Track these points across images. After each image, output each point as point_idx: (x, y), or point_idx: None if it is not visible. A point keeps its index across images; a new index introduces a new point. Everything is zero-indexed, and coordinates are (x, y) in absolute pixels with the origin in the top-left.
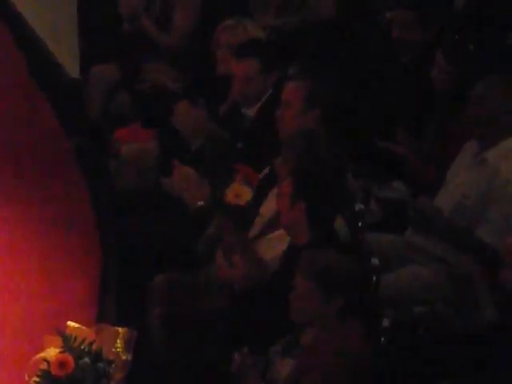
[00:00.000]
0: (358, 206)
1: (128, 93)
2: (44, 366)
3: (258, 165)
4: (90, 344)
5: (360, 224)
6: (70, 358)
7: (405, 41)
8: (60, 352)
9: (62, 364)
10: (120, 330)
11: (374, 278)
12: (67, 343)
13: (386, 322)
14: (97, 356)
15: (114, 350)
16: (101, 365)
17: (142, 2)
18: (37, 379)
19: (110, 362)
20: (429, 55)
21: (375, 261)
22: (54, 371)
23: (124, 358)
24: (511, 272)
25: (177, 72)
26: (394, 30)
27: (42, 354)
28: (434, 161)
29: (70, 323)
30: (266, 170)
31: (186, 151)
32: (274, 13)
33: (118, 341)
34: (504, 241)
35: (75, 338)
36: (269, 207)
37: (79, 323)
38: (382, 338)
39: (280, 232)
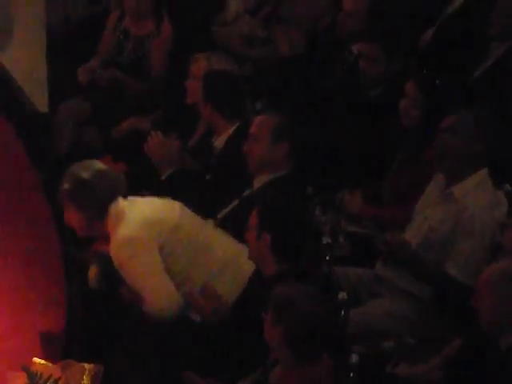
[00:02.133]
0: (326, 240)
1: (97, 128)
2: None
3: (227, 197)
4: (56, 381)
5: (327, 257)
6: None
7: (371, 73)
8: None
9: None
10: (86, 365)
11: (343, 313)
12: (32, 380)
13: (354, 358)
14: None
15: None
16: None
17: (114, 49)
18: None
19: None
20: (396, 88)
21: (343, 295)
22: None
23: None
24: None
25: (147, 108)
26: (360, 63)
27: None
28: (401, 195)
29: (36, 359)
30: (235, 202)
31: (156, 180)
32: (242, 47)
33: (85, 377)
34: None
35: (41, 375)
36: None
37: (45, 359)
38: (351, 374)
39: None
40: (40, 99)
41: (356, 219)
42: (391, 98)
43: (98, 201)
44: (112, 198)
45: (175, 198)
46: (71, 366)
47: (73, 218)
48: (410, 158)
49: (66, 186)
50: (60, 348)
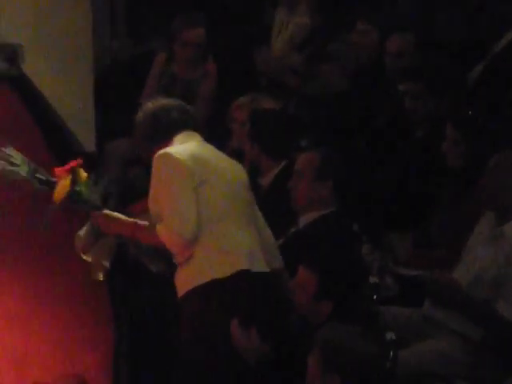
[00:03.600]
0: (373, 279)
1: (142, 167)
2: None
3: (273, 235)
4: None
5: (375, 297)
6: None
7: (416, 112)
8: None
9: None
10: None
11: (391, 354)
12: None
13: None
14: None
15: None
16: None
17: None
18: None
19: None
20: (440, 129)
21: (391, 335)
22: None
23: None
24: None
25: None
26: (405, 102)
27: None
28: (450, 235)
29: None
30: (280, 241)
31: None
32: (287, 84)
33: None
34: None
35: None
36: None
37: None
38: None
39: None
40: (87, 138)
41: (404, 263)
42: (437, 137)
43: (162, 131)
44: (177, 130)
45: None
46: None
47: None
48: (458, 198)
49: (136, 119)
50: None
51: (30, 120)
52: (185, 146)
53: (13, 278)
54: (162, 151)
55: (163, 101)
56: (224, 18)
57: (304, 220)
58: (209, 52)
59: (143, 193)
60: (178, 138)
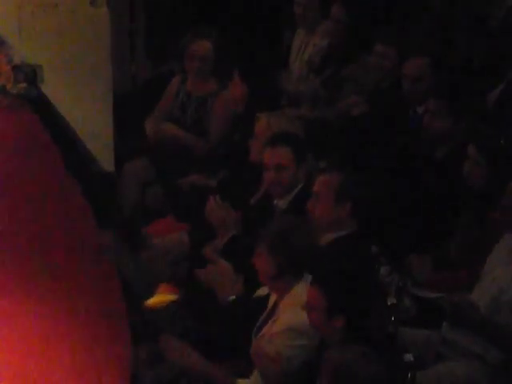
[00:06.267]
0: (391, 300)
1: (161, 187)
2: None
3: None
4: None
5: (393, 318)
6: None
7: (436, 131)
8: None
9: None
10: None
11: (409, 376)
12: None
13: None
14: None
15: None
16: None
17: (178, 111)
18: None
19: None
20: (461, 148)
21: (409, 357)
22: None
23: None
24: None
25: (210, 169)
26: (425, 120)
27: None
28: (468, 256)
29: None
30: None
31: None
32: (306, 106)
33: None
34: None
35: None
36: None
37: None
38: None
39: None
40: (106, 159)
41: (423, 284)
42: (456, 158)
43: None
44: None
45: (234, 262)
46: None
47: None
48: (477, 219)
49: None
50: None
51: (48, 140)
52: None
53: (29, 297)
54: None
55: None
56: (245, 38)
57: (322, 241)
58: (233, 68)
59: (161, 213)
60: None
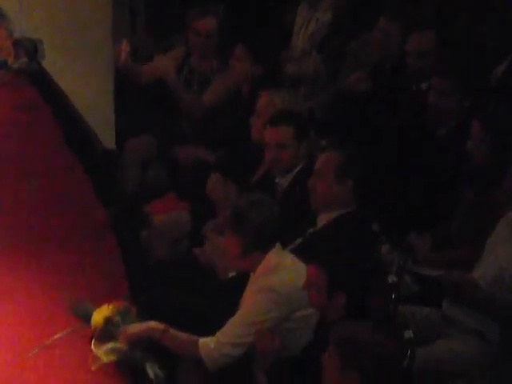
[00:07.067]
0: (391, 278)
1: (162, 165)
2: None
3: (291, 235)
4: None
5: (393, 296)
6: None
7: (440, 109)
8: None
9: None
10: None
11: (409, 352)
12: None
13: None
14: None
15: None
16: None
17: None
18: None
19: None
20: (464, 126)
21: (409, 333)
22: None
23: None
24: None
25: (211, 144)
26: (429, 98)
27: None
28: (470, 235)
29: None
30: (299, 240)
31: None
32: (308, 84)
33: None
34: None
35: None
36: None
37: None
38: None
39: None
40: (107, 136)
41: (424, 262)
42: (459, 136)
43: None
44: None
45: None
46: None
47: None
48: (479, 197)
49: None
50: None
51: (49, 115)
52: None
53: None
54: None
55: None
56: (248, 14)
57: (322, 220)
58: (237, 45)
59: (163, 191)
60: None
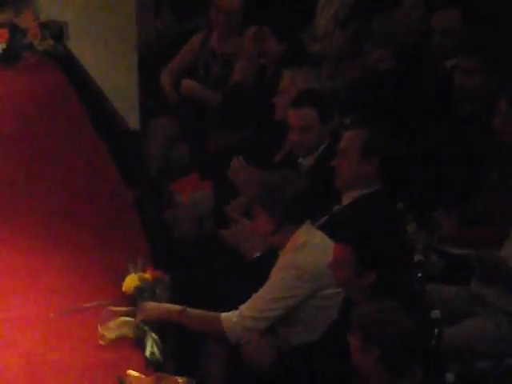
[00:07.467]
0: (418, 257)
1: (186, 145)
2: None
3: (316, 214)
4: None
5: (419, 275)
6: None
7: (466, 88)
8: None
9: None
10: (180, 379)
11: (436, 331)
12: None
13: (450, 377)
14: None
15: None
16: None
17: (203, 68)
18: None
19: None
20: (491, 103)
21: (436, 313)
22: None
23: None
24: None
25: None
26: (455, 77)
27: None
28: (497, 213)
29: (131, 372)
30: (324, 219)
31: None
32: (332, 62)
33: None
34: None
35: None
36: None
37: (139, 372)
38: None
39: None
40: (131, 116)
41: (451, 241)
42: (487, 113)
43: None
44: None
45: None
46: (164, 379)
47: None
48: (505, 175)
49: None
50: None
51: (74, 97)
52: None
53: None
54: None
55: None
56: None
57: (347, 198)
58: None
59: (186, 171)
60: None
